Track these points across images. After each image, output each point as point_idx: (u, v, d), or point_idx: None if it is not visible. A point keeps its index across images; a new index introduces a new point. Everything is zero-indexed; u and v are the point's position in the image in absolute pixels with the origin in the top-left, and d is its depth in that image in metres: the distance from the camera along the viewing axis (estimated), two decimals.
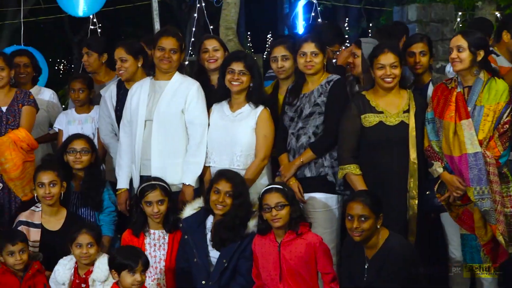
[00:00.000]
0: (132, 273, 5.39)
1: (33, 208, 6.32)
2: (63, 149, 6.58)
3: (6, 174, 6.68)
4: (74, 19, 14.72)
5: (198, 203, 6.11)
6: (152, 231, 6.15)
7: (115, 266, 5.45)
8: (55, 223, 6.25)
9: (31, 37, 11.09)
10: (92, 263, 5.76)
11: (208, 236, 5.97)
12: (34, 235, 6.18)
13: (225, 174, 6.01)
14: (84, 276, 5.77)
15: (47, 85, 8.70)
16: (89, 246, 5.73)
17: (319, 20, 11.35)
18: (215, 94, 6.63)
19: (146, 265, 5.50)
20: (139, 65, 6.88)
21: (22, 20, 10.91)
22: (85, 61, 7.73)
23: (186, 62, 6.84)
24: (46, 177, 6.19)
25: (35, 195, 6.28)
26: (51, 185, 6.18)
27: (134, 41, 7.27)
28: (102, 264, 5.73)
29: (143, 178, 6.41)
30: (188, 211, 6.10)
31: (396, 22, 8.75)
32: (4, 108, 6.81)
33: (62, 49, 22.51)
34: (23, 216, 6.27)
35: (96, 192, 6.52)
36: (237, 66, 6.34)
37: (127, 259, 5.42)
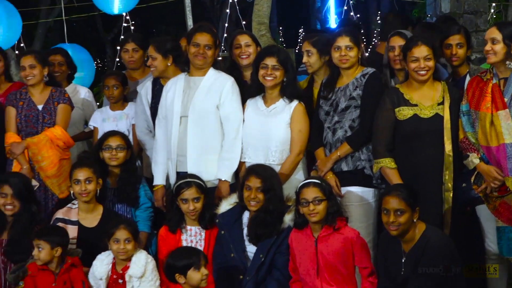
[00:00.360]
0: (198, 269, 5.46)
1: (69, 205, 6.36)
2: (99, 146, 6.62)
3: (43, 172, 6.76)
4: (107, 17, 14.78)
5: (234, 199, 6.12)
6: (188, 227, 6.18)
7: (179, 270, 5.48)
8: (91, 220, 6.27)
9: (63, 36, 11.16)
10: (129, 259, 5.78)
11: (245, 231, 5.98)
12: (71, 232, 6.19)
13: (255, 170, 6.01)
14: (121, 271, 5.78)
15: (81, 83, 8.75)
16: (126, 241, 5.75)
17: (352, 14, 11.28)
18: (248, 90, 6.63)
19: (206, 258, 5.62)
20: (169, 64, 6.88)
21: (64, 18, 11.00)
22: (129, 58, 7.72)
23: (219, 58, 6.84)
24: (82, 174, 6.23)
25: (71, 192, 6.32)
26: (87, 182, 6.22)
27: (167, 38, 7.26)
28: (139, 260, 5.75)
29: (179, 174, 6.44)
30: (224, 206, 6.11)
31: (446, 17, 8.63)
32: (40, 107, 6.87)
33: (95, 47, 22.60)
34: (60, 214, 6.31)
35: (132, 188, 6.55)
36: (271, 61, 6.33)
37: (190, 258, 5.50)
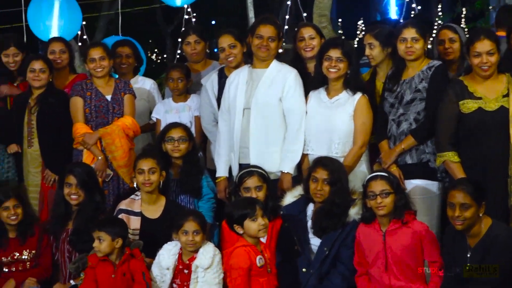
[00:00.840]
0: (254, 219, 5.49)
1: (132, 196, 6.41)
2: (161, 138, 6.66)
3: (116, 161, 6.86)
4: (167, 10, 14.84)
5: (298, 191, 6.11)
6: None
7: (236, 221, 5.53)
8: (154, 211, 6.31)
9: (123, 28, 11.23)
10: (196, 250, 5.78)
11: (309, 223, 5.96)
12: (134, 223, 6.25)
13: (322, 162, 5.99)
14: (187, 262, 5.78)
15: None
16: (195, 233, 5.73)
17: (413, 5, 11.17)
18: (311, 82, 6.60)
19: (264, 208, 5.62)
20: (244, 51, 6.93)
21: (120, 10, 11.08)
22: (192, 50, 7.73)
23: (280, 50, 6.84)
24: (145, 164, 6.28)
25: (135, 183, 6.38)
26: (151, 172, 6.26)
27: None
28: (207, 251, 5.74)
29: (242, 166, 6.44)
30: (289, 198, 6.12)
31: None
32: (108, 97, 6.96)
33: (154, 39, 22.73)
34: (123, 205, 6.36)
35: (194, 180, 6.58)
36: (335, 53, 6.30)
37: (244, 209, 5.53)
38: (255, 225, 5.50)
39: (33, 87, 7.10)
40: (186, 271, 5.77)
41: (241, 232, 5.53)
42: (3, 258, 6.28)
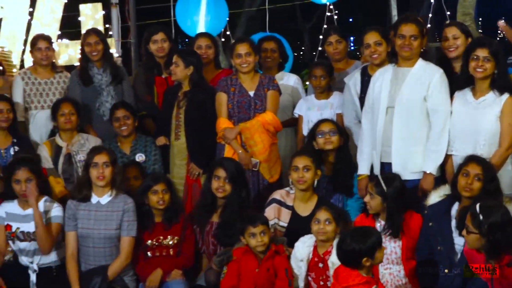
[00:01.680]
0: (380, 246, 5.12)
1: (287, 189, 6.49)
2: (312, 134, 6.77)
3: (255, 156, 6.97)
4: (306, 7, 14.90)
5: (443, 190, 6.01)
6: (382, 221, 6.07)
7: (367, 252, 5.03)
8: (305, 208, 6.36)
9: (264, 24, 11.37)
10: (330, 241, 5.78)
11: (453, 223, 5.83)
12: (285, 215, 6.35)
13: (475, 158, 5.89)
14: (322, 255, 5.82)
15: None
16: (327, 222, 5.77)
17: None
18: (456, 81, 6.51)
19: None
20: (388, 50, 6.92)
21: (267, 6, 11.23)
22: (334, 50, 7.85)
23: (423, 48, 6.79)
24: (300, 161, 6.35)
25: (290, 179, 6.45)
26: (305, 170, 6.33)
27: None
28: None
29: (383, 165, 6.44)
30: (434, 198, 6.02)
31: None
32: (251, 93, 7.06)
33: (291, 36, 22.88)
34: (277, 195, 6.46)
35: (347, 178, 6.66)
36: (482, 53, 6.20)
37: (375, 234, 5.12)
38: (382, 253, 5.14)
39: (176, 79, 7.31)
40: (321, 265, 5.81)
41: (368, 264, 5.08)
42: (148, 241, 6.48)
